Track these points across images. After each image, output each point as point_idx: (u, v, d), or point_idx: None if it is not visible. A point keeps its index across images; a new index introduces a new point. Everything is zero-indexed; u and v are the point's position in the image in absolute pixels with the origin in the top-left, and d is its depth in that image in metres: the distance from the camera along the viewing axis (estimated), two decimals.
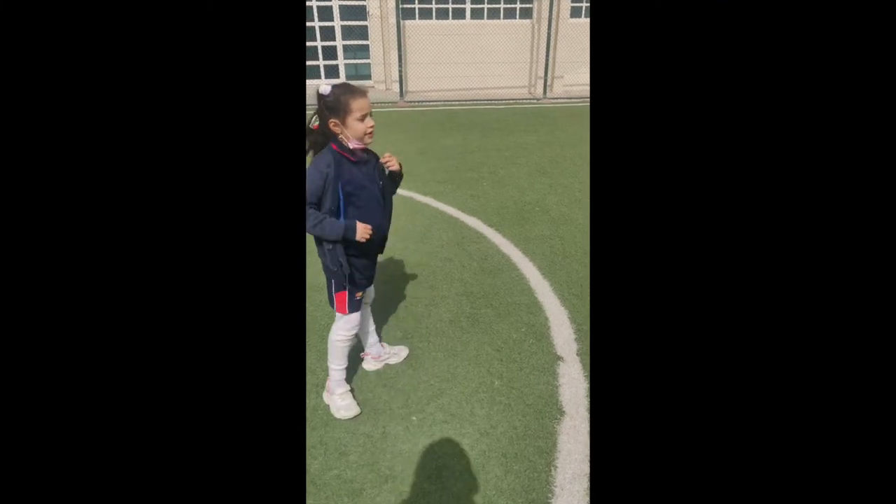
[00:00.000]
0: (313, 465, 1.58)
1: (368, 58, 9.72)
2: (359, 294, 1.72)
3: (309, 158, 1.60)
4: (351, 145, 1.56)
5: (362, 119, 1.52)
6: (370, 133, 1.55)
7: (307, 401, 1.85)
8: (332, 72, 9.80)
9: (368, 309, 1.97)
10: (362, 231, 1.56)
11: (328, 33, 9.54)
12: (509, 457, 1.60)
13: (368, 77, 9.90)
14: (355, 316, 1.74)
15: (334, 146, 1.57)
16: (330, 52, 9.71)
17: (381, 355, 2.03)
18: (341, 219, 1.58)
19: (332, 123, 1.53)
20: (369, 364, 2.03)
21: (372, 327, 2.00)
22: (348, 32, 9.56)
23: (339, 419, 1.75)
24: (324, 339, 1.90)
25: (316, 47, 9.60)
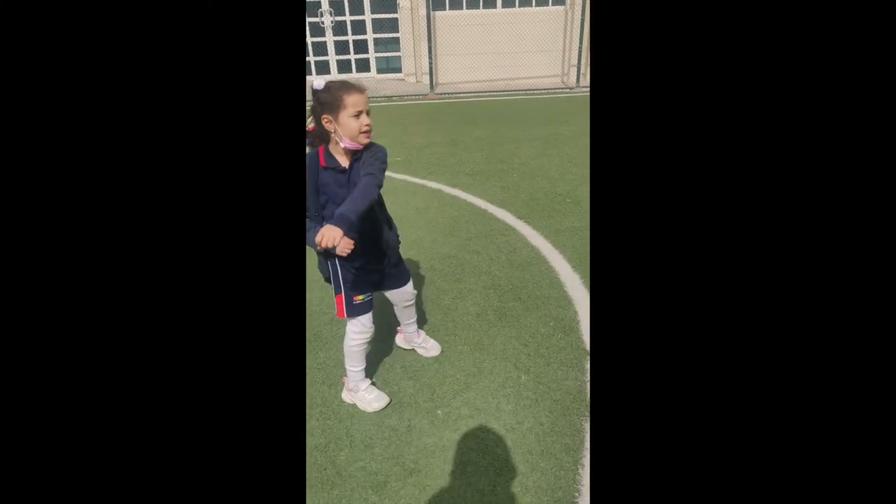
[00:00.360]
0: (339, 456, 1.59)
1: (399, 50, 9.72)
2: (358, 297, 1.66)
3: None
4: (342, 144, 1.47)
5: (357, 116, 1.43)
6: (366, 132, 1.46)
7: (330, 394, 1.87)
8: (363, 66, 9.86)
9: (413, 306, 1.96)
10: (343, 247, 1.41)
11: (359, 27, 9.59)
12: (535, 454, 1.57)
13: (399, 70, 9.91)
14: (364, 319, 1.71)
15: (321, 148, 1.53)
16: (361, 46, 9.77)
17: (412, 340, 2.05)
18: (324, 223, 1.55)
19: (325, 120, 1.45)
20: (399, 340, 2.09)
21: (411, 319, 1.99)
22: (379, 26, 9.59)
23: (372, 411, 1.76)
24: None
25: (347, 41, 9.67)
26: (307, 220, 1.55)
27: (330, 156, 1.52)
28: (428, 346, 2.07)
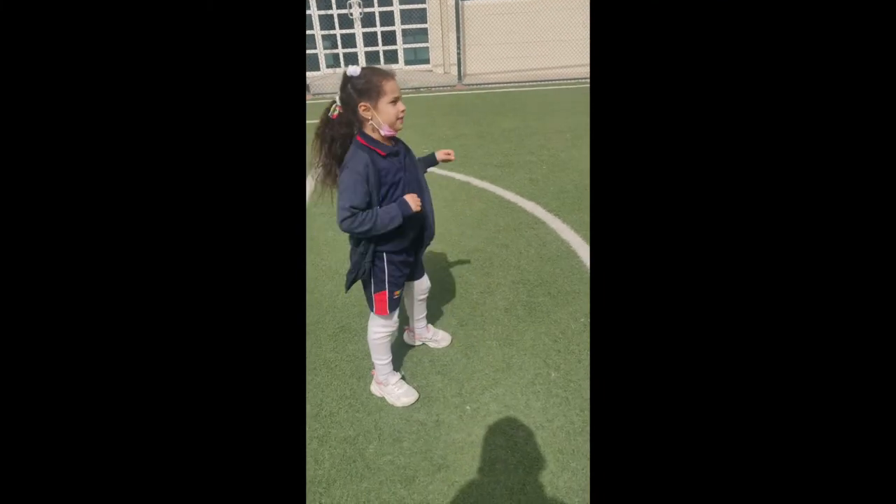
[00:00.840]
0: (368, 448, 1.60)
1: (427, 41, 9.67)
2: (397, 293, 1.66)
3: (314, 150, 1.50)
4: (383, 132, 1.46)
5: (394, 102, 1.43)
6: (401, 118, 1.46)
7: (359, 386, 1.87)
8: (391, 57, 9.86)
9: (424, 301, 1.96)
10: (413, 202, 1.49)
11: (388, 18, 9.57)
12: (566, 453, 1.54)
13: (427, 61, 9.86)
14: (395, 313, 1.71)
15: (361, 140, 1.47)
16: (389, 37, 9.76)
17: (423, 335, 2.05)
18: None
19: (363, 107, 1.43)
20: (408, 337, 2.08)
21: (422, 314, 1.99)
22: (408, 16, 9.55)
23: (401, 406, 1.76)
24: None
25: (375, 33, 9.67)
26: (372, 210, 1.47)
27: (380, 143, 1.49)
28: (439, 338, 2.07)
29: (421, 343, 2.08)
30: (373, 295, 1.64)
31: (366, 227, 1.45)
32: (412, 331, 2.06)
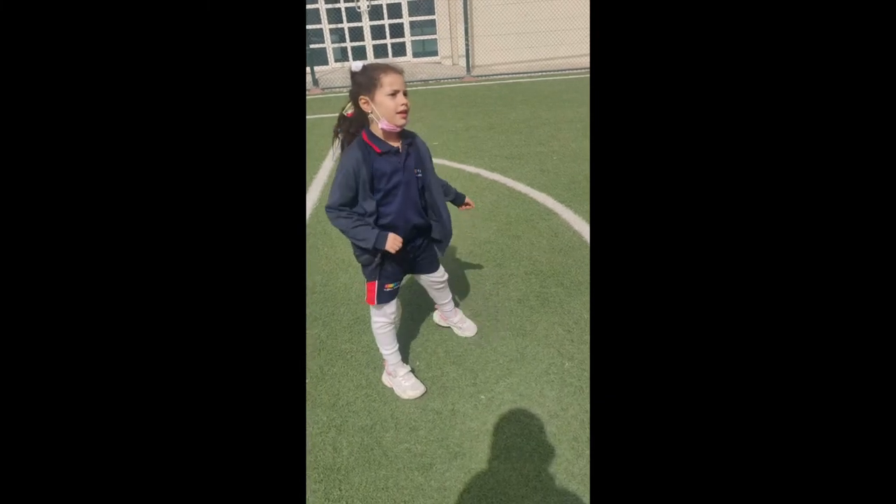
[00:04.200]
0: (385, 437, 1.62)
1: (435, 33, 9.62)
2: (389, 285, 1.66)
3: (337, 151, 1.56)
4: (381, 125, 1.46)
5: (393, 95, 1.41)
6: (402, 112, 1.44)
7: (375, 376, 1.90)
8: (399, 50, 9.83)
9: (446, 287, 1.97)
10: (392, 243, 1.51)
11: (395, 10, 9.53)
12: (581, 441, 1.56)
13: (435, 53, 9.82)
14: (388, 306, 1.72)
15: (364, 135, 1.50)
16: (397, 30, 9.72)
17: (450, 318, 2.07)
18: (378, 210, 1.54)
19: (363, 101, 1.45)
20: (437, 317, 2.13)
21: (446, 299, 2.00)
22: (415, 8, 9.50)
23: (407, 399, 1.78)
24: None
25: (383, 25, 9.64)
26: (360, 219, 1.51)
27: (380, 140, 1.50)
28: (464, 327, 2.08)
29: (447, 325, 2.10)
30: (366, 283, 1.67)
31: (341, 228, 1.51)
32: (439, 310, 2.09)
